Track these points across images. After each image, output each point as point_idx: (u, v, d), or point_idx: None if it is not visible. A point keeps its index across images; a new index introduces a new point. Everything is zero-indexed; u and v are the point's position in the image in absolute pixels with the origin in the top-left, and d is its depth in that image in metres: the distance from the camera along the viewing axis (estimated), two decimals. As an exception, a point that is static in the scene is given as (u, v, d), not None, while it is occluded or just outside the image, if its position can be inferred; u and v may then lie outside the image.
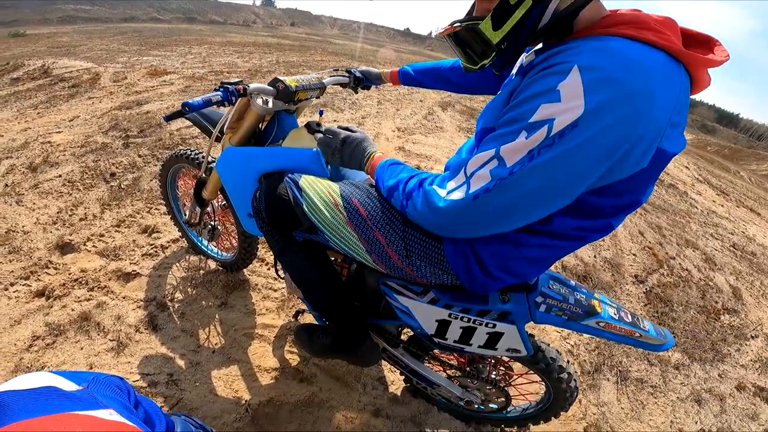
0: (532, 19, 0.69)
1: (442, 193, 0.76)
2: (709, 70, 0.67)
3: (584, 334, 2.10)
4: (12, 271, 1.84)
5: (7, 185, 2.48)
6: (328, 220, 0.97)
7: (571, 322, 0.97)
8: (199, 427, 0.68)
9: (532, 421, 1.40)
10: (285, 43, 12.34)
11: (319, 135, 1.08)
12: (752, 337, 2.55)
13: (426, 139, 4.15)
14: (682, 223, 3.83)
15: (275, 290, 1.93)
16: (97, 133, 3.15)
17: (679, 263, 3.00)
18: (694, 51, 0.64)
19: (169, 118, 1.06)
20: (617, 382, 1.93)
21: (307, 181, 1.03)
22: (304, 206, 1.00)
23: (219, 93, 1.09)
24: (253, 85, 1.16)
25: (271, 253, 2.09)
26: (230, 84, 1.12)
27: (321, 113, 1.33)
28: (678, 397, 1.96)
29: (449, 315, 1.02)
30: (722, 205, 5.06)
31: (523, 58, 0.82)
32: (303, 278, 1.17)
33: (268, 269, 2.04)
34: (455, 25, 0.76)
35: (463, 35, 0.76)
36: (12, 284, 1.78)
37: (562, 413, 1.34)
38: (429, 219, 0.79)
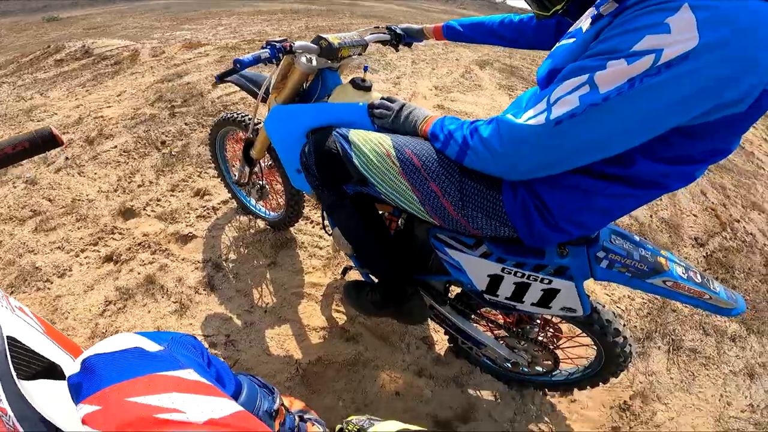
0: None
1: (518, 120, 0.71)
2: None
3: (638, 298, 2.03)
4: (81, 238, 1.99)
5: (67, 158, 2.65)
6: (380, 171, 0.96)
7: (635, 279, 0.92)
8: (263, 386, 0.71)
9: (577, 386, 1.37)
10: (313, 8, 12.07)
11: (375, 102, 1.09)
12: None
13: (465, 97, 3.99)
14: (747, 184, 3.51)
15: (321, 248, 1.98)
16: (144, 106, 3.29)
17: (744, 227, 2.78)
18: None
19: (222, 76, 1.11)
20: (669, 351, 1.85)
21: (356, 135, 1.02)
22: (354, 158, 0.98)
23: (267, 50, 1.10)
24: (298, 43, 1.15)
25: (317, 210, 2.15)
26: (276, 42, 1.13)
27: (366, 69, 1.30)
28: (731, 370, 1.86)
29: (502, 270, 0.99)
30: None
31: (594, 11, 0.76)
32: (352, 232, 1.18)
33: (313, 227, 2.08)
34: None
35: None
36: (82, 250, 1.92)
37: (610, 380, 1.30)
38: (497, 150, 0.74)
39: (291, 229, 2.02)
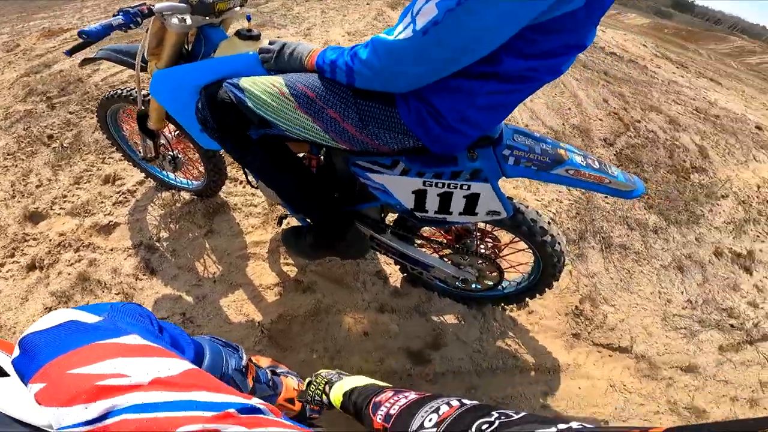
0: None
1: (390, 38, 0.76)
2: None
3: (566, 200, 2.20)
4: (-6, 253, 1.78)
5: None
6: (277, 109, 0.98)
7: (541, 172, 0.99)
8: (226, 345, 0.70)
9: (528, 294, 1.48)
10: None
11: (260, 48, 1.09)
12: (723, 196, 2.63)
13: (380, 40, 3.89)
14: (644, 91, 3.83)
15: (256, 206, 1.93)
16: (14, 103, 2.89)
17: (645, 126, 3.05)
18: None
19: (72, 51, 1.04)
20: (602, 249, 2.03)
21: (247, 81, 1.02)
22: (249, 102, 1.00)
23: (119, 17, 1.03)
24: (160, 4, 1.06)
25: (240, 168, 2.06)
26: (131, 7, 1.05)
27: (249, 18, 1.24)
28: (661, 265, 2.06)
29: (424, 183, 1.04)
30: (682, 76, 5.04)
31: None
32: (270, 176, 1.18)
33: (244, 188, 2.01)
34: None
35: None
36: (2, 265, 1.74)
37: (554, 283, 1.40)
38: (376, 68, 0.80)
39: (220, 193, 1.94)
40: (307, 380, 0.89)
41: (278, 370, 0.89)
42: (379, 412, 0.59)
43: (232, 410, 0.35)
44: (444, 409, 0.50)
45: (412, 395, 0.60)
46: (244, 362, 0.68)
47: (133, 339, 0.43)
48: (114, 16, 1.03)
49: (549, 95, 3.12)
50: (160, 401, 0.34)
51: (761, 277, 2.22)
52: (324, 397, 0.82)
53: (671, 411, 1.55)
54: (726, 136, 3.40)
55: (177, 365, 0.40)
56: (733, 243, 2.35)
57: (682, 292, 1.98)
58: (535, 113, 2.86)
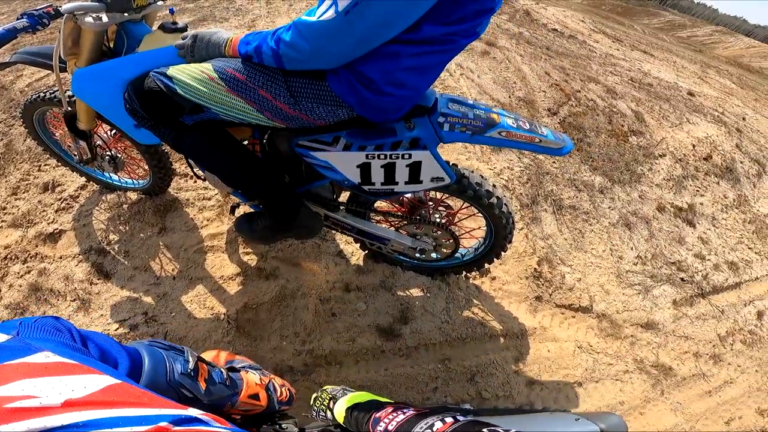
0: None
1: (312, 19, 0.79)
2: None
3: (516, 167, 2.28)
4: (-65, 274, 1.66)
5: None
6: (209, 94, 0.98)
7: (476, 136, 1.04)
8: (169, 348, 0.65)
9: (486, 259, 1.53)
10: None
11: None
12: (660, 156, 2.80)
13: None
14: (583, 64, 4.02)
15: (209, 199, 1.90)
16: None
17: (585, 95, 3.21)
18: None
19: None
20: (554, 212, 2.12)
21: (174, 69, 1.01)
22: (179, 89, 0.99)
23: (23, 20, 1.00)
24: (67, 5, 1.02)
25: (181, 156, 2.00)
26: (36, 9, 1.02)
27: (172, 11, 1.22)
28: (610, 223, 2.17)
29: (367, 156, 1.07)
30: (618, 50, 5.32)
31: None
32: (211, 163, 1.17)
33: (195, 182, 1.97)
34: None
35: None
36: None
37: (509, 245, 1.46)
38: (303, 49, 0.83)
39: (170, 190, 1.89)
40: (313, 396, 0.92)
41: (238, 365, 0.85)
42: (379, 428, 0.62)
43: (164, 423, 0.33)
44: (438, 425, 0.54)
45: (410, 411, 0.63)
46: (191, 365, 0.62)
47: (44, 357, 0.39)
48: (17, 19, 1.00)
49: (495, 70, 3.22)
50: (80, 421, 0.31)
51: (704, 229, 2.38)
52: (328, 412, 0.84)
53: (639, 370, 1.63)
54: (660, 102, 3.63)
55: (94, 381, 0.36)
56: (674, 198, 2.51)
57: (632, 248, 2.08)
58: (482, 88, 2.94)
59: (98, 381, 0.37)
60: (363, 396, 0.83)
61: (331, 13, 0.76)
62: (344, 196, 1.50)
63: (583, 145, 2.66)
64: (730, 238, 2.40)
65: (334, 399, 0.86)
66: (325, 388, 0.93)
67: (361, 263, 1.72)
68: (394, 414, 0.63)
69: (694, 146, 3.08)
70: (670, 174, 2.69)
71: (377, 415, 0.66)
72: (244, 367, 0.85)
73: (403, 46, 0.85)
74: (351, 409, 0.76)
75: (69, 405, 0.33)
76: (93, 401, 0.34)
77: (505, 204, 1.35)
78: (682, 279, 2.03)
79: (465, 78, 3.01)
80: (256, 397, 0.74)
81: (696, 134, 3.26)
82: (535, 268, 1.84)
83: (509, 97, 2.91)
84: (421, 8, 0.76)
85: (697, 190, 2.67)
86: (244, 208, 1.71)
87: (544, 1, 6.79)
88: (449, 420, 0.55)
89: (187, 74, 0.99)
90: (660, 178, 2.63)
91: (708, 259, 2.18)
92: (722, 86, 5.43)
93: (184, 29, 1.15)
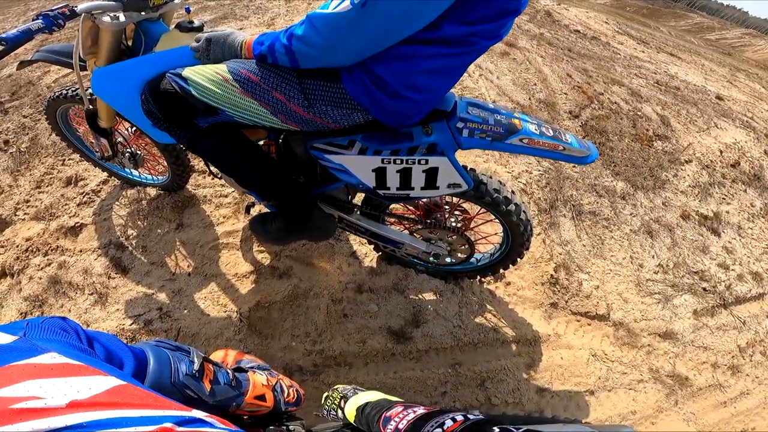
0: None
1: (327, 11, 0.77)
2: None
3: (535, 171, 2.23)
4: (-40, 262, 1.73)
5: None
6: (223, 96, 0.97)
7: (495, 142, 1.01)
8: (176, 348, 0.65)
9: (502, 265, 1.50)
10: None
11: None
12: (686, 161, 2.69)
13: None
14: (606, 66, 3.91)
15: (226, 196, 1.91)
16: None
17: (608, 98, 3.12)
18: None
19: None
20: (573, 217, 2.05)
21: (190, 70, 1.01)
22: (193, 91, 0.99)
23: (39, 21, 1.00)
24: (83, 5, 1.03)
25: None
26: (51, 10, 1.02)
27: (188, 10, 1.22)
28: (631, 230, 2.09)
29: (382, 161, 1.05)
30: (643, 52, 5.15)
31: None
32: (226, 164, 1.17)
33: (212, 179, 1.99)
34: None
35: None
36: None
37: (526, 252, 1.42)
38: (316, 43, 0.81)
39: (188, 187, 1.91)
40: (324, 395, 0.92)
41: (246, 366, 0.85)
42: (389, 427, 0.62)
43: (168, 424, 0.33)
44: (449, 423, 0.53)
45: (421, 410, 0.62)
46: (196, 366, 0.62)
47: (51, 358, 0.39)
48: (33, 20, 1.00)
49: (515, 72, 3.16)
50: (84, 421, 0.31)
51: (729, 238, 2.27)
52: (339, 411, 0.84)
53: (654, 379, 1.58)
54: (687, 106, 3.50)
55: (99, 383, 0.37)
56: (700, 206, 2.41)
57: (653, 257, 2.01)
58: (502, 89, 2.89)
59: (103, 382, 0.37)
60: (374, 395, 0.82)
61: (346, 4, 0.74)
62: (359, 198, 1.48)
63: (606, 150, 2.58)
64: (755, 248, 2.30)
65: (345, 398, 0.85)
66: (336, 387, 0.93)
67: (375, 265, 1.71)
68: (405, 413, 0.63)
69: (721, 152, 2.97)
70: (696, 181, 2.59)
71: (388, 414, 0.66)
72: (252, 368, 0.85)
73: (421, 47, 0.82)
74: (362, 409, 0.76)
75: (73, 406, 0.33)
76: (97, 402, 0.34)
77: (524, 211, 1.31)
78: (705, 289, 1.96)
79: (484, 79, 2.97)
80: (262, 398, 0.74)
81: (724, 140, 3.14)
82: (551, 275, 1.79)
83: (529, 99, 2.85)
84: (441, 3, 0.73)
85: (724, 198, 2.56)
86: (259, 207, 1.72)
87: (566, 1, 6.65)
88: (460, 418, 0.54)
89: (202, 75, 0.99)
90: (685, 185, 2.53)
91: (732, 269, 2.09)
92: (752, 90, 5.22)
93: (200, 28, 1.16)
